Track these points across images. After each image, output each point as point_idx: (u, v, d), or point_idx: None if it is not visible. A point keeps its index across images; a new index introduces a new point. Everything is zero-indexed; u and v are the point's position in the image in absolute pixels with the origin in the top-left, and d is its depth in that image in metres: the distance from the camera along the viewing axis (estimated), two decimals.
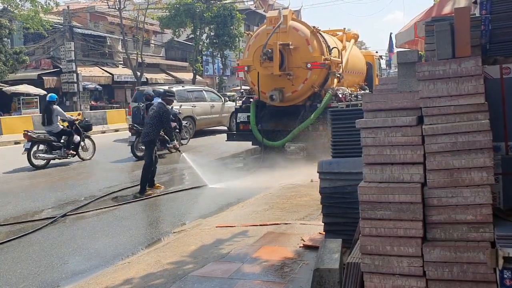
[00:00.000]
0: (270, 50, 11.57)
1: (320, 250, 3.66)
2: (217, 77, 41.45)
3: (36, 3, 23.73)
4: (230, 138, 13.56)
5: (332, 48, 12.81)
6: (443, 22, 2.87)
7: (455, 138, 2.74)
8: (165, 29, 36.63)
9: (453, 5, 6.69)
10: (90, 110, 26.23)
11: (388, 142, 2.90)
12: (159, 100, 8.91)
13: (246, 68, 12.84)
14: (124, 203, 7.86)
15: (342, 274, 3.22)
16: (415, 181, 2.84)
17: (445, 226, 2.76)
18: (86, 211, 7.43)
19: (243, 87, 28.95)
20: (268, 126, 12.53)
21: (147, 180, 8.51)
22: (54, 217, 7.00)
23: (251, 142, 13.32)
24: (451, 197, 2.73)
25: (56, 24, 28.03)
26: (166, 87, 16.75)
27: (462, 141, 2.73)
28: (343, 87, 13.52)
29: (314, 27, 12.37)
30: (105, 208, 7.59)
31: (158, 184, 8.92)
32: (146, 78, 33.85)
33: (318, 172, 4.54)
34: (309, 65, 12.02)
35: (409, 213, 2.75)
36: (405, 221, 2.77)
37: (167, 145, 8.76)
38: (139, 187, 8.53)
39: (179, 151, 9.51)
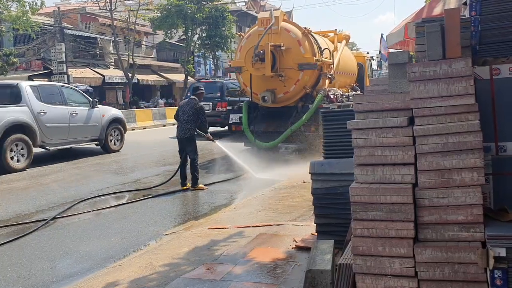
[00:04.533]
0: (261, 51, 11.57)
1: (312, 251, 3.66)
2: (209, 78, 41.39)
3: (24, 3, 23.49)
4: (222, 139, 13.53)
5: (324, 49, 12.84)
6: (433, 23, 2.88)
7: (446, 139, 2.75)
8: (156, 31, 36.56)
9: (443, 6, 6.73)
10: None
11: (379, 143, 2.90)
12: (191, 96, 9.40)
13: (238, 70, 12.85)
14: (115, 206, 7.82)
15: (334, 275, 3.23)
16: (406, 182, 2.85)
17: (436, 226, 2.77)
18: (77, 213, 7.37)
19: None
20: (260, 127, 12.54)
21: (198, 172, 9.02)
22: (45, 219, 6.94)
23: (243, 143, 13.32)
24: (442, 197, 2.75)
25: (46, 25, 27.86)
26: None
27: (453, 141, 2.74)
28: (334, 88, 13.56)
29: (305, 28, 12.39)
30: (95, 210, 7.55)
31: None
32: (138, 79, 33.76)
33: (310, 173, 4.54)
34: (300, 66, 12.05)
35: (401, 214, 2.76)
36: (397, 221, 2.77)
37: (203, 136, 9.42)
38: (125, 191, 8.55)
39: (214, 140, 9.90)
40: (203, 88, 9.79)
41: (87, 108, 13.41)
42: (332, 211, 4.45)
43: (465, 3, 3.98)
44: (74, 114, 12.85)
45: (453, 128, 2.74)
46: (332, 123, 4.98)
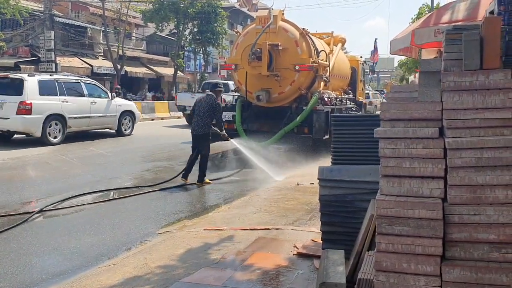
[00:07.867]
0: (259, 50, 11.43)
1: (323, 262, 3.51)
2: (198, 74, 41.12)
3: None
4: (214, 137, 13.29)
5: (320, 51, 12.72)
6: (473, 31, 2.73)
7: (480, 153, 2.62)
8: (148, 23, 36.13)
9: (452, 14, 6.66)
10: None
11: (408, 154, 2.76)
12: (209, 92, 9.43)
13: (233, 67, 12.66)
14: (105, 200, 7.59)
15: None
16: (434, 196, 2.71)
17: (465, 244, 2.63)
18: (66, 207, 7.12)
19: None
20: (253, 126, 12.39)
21: (206, 169, 9.03)
22: (32, 212, 6.68)
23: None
24: (473, 214, 2.61)
25: (36, 11, 27.27)
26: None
27: (488, 156, 2.61)
28: (328, 91, 13.49)
29: (303, 29, 12.27)
30: (85, 204, 7.31)
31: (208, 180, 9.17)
32: (126, 71, 33.32)
33: (318, 178, 4.38)
34: (297, 67, 11.92)
35: (429, 230, 2.62)
36: (424, 238, 2.63)
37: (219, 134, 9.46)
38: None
39: (229, 139, 9.89)
40: (222, 86, 10.22)
41: None
42: (340, 219, 4.30)
43: (491, 12, 3.86)
44: None
45: (488, 143, 2.61)
46: (342, 129, 4.83)
